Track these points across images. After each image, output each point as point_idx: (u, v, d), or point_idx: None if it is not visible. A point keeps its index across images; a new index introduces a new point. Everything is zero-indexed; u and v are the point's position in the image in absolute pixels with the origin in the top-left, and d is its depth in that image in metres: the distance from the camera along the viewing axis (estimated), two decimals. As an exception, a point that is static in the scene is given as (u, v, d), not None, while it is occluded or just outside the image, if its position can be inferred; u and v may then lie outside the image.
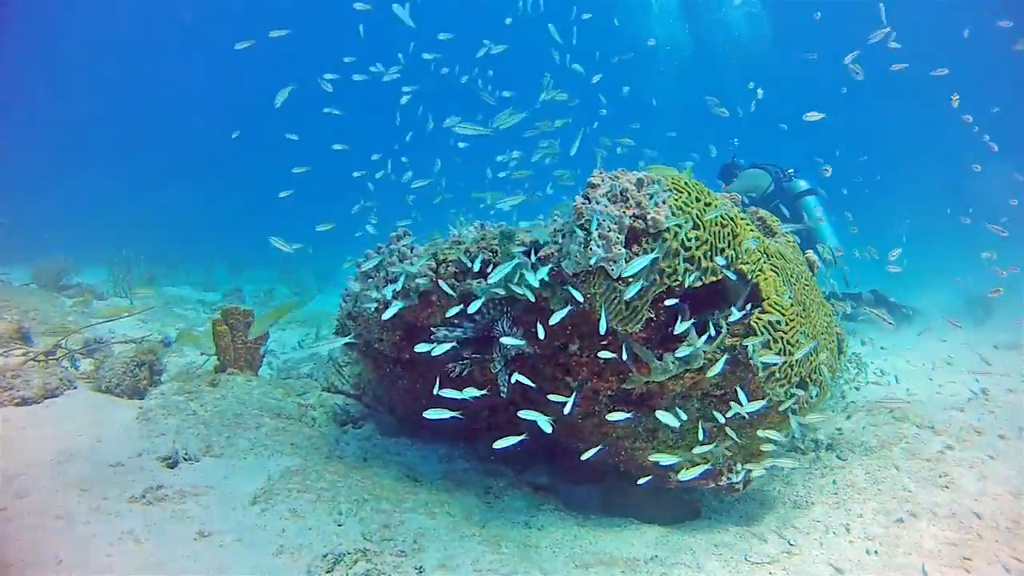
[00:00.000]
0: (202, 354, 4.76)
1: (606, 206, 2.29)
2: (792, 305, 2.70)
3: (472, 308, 2.50)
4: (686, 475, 2.46)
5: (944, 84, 5.55)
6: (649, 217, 2.30)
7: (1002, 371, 4.99)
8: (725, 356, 2.45)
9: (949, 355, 5.71)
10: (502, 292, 2.52)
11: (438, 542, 2.36)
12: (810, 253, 3.46)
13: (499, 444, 2.25)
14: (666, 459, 2.42)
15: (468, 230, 2.95)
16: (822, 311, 3.10)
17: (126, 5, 28.75)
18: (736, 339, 2.51)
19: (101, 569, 1.94)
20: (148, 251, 9.93)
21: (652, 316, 2.42)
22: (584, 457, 2.39)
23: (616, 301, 2.31)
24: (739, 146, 8.16)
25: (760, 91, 6.43)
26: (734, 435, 2.58)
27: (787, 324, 2.63)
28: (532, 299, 2.40)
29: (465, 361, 2.68)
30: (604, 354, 2.38)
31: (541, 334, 2.37)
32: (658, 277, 2.34)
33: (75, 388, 3.49)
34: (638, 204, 2.32)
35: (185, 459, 2.77)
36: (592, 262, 2.22)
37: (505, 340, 2.47)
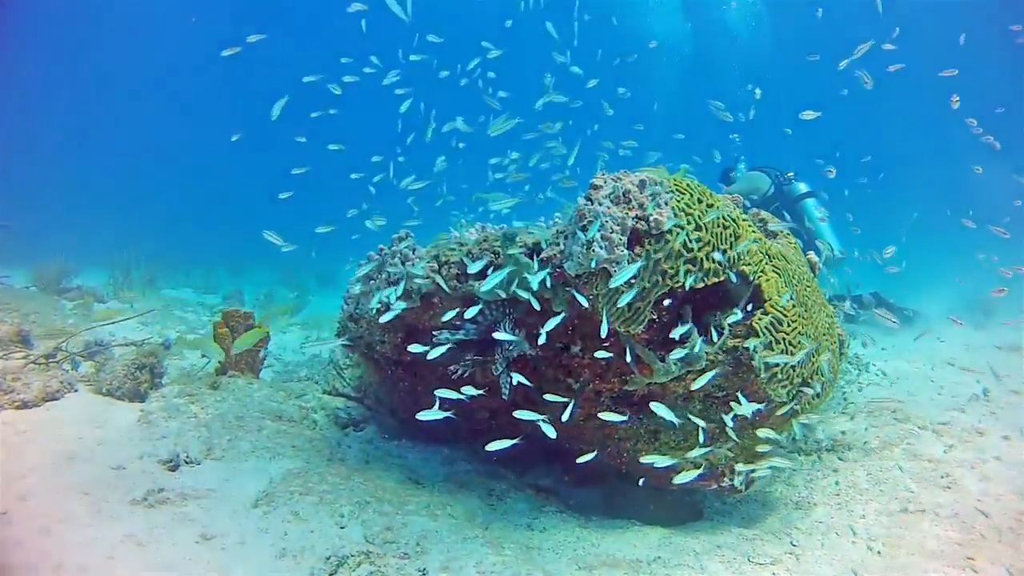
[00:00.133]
0: (202, 356, 4.75)
1: (609, 207, 2.29)
2: (794, 306, 2.70)
3: (469, 313, 2.50)
4: (682, 478, 2.45)
5: (949, 85, 5.55)
6: (652, 219, 2.30)
7: (1004, 372, 4.99)
8: (714, 371, 2.45)
9: (951, 356, 5.71)
10: (503, 294, 2.52)
11: (441, 544, 2.35)
12: (811, 254, 3.46)
13: (492, 447, 2.25)
14: (661, 461, 2.41)
15: (469, 232, 2.95)
16: (824, 312, 3.10)
17: (127, 6, 28.75)
18: (738, 340, 2.51)
19: (103, 572, 1.93)
20: (148, 253, 9.92)
21: (654, 317, 2.42)
22: (580, 461, 2.39)
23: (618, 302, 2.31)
24: (740, 144, 8.16)
25: (759, 91, 6.43)
26: (734, 435, 2.57)
27: (789, 325, 2.63)
28: (537, 307, 2.38)
29: (467, 363, 2.68)
30: (600, 353, 2.38)
31: (543, 339, 2.37)
32: (660, 278, 2.34)
33: (76, 391, 3.49)
34: (640, 205, 2.32)
35: (186, 462, 2.76)
36: (594, 264, 2.22)
37: (500, 335, 2.46)
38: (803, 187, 7.07)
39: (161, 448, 2.81)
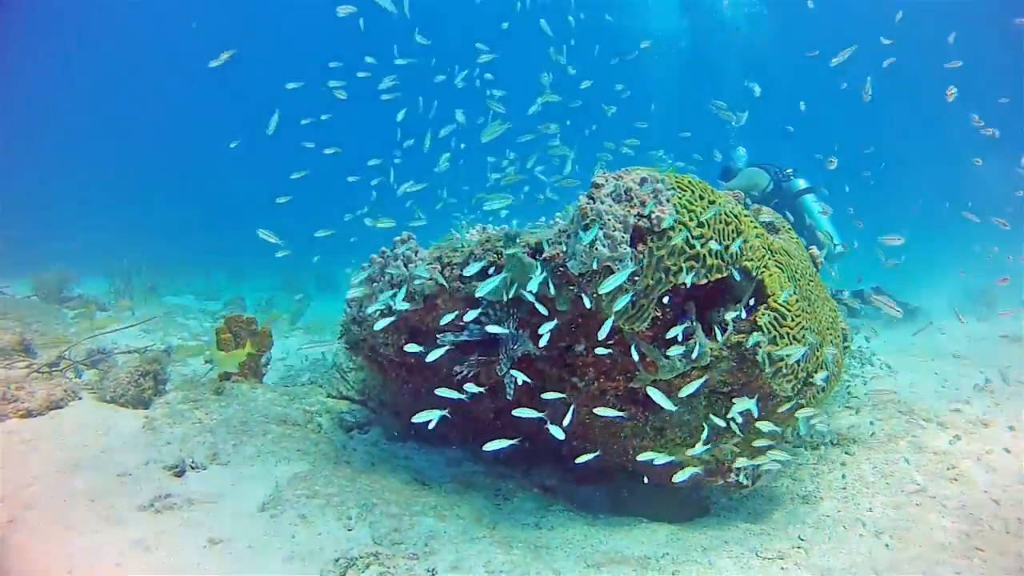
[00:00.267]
0: (206, 362, 4.75)
1: (611, 206, 2.29)
2: (797, 301, 2.70)
3: (469, 316, 2.50)
4: (681, 475, 2.44)
5: (951, 79, 5.54)
6: (653, 216, 2.30)
7: (1007, 363, 4.99)
8: (703, 377, 2.44)
9: (954, 349, 5.71)
10: (506, 295, 2.52)
11: (449, 544, 2.35)
12: (813, 249, 3.46)
13: (490, 447, 2.25)
14: (660, 458, 2.40)
15: (471, 233, 2.95)
16: (827, 306, 3.10)
17: (128, 11, 28.73)
18: (742, 336, 2.51)
19: (112, 579, 1.93)
20: (149, 260, 9.92)
21: (659, 314, 2.42)
22: (579, 461, 2.38)
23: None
24: (738, 132, 8.11)
25: (757, 87, 6.43)
26: (737, 429, 2.57)
27: (792, 320, 2.63)
28: (544, 312, 2.38)
29: (471, 363, 2.67)
30: (600, 351, 2.38)
31: (545, 340, 2.36)
32: (663, 275, 2.34)
33: (80, 399, 3.49)
34: (642, 203, 2.32)
35: (192, 467, 2.76)
36: (597, 262, 2.22)
37: (496, 329, 2.45)
38: (802, 183, 7.06)
39: (166, 454, 2.81)
